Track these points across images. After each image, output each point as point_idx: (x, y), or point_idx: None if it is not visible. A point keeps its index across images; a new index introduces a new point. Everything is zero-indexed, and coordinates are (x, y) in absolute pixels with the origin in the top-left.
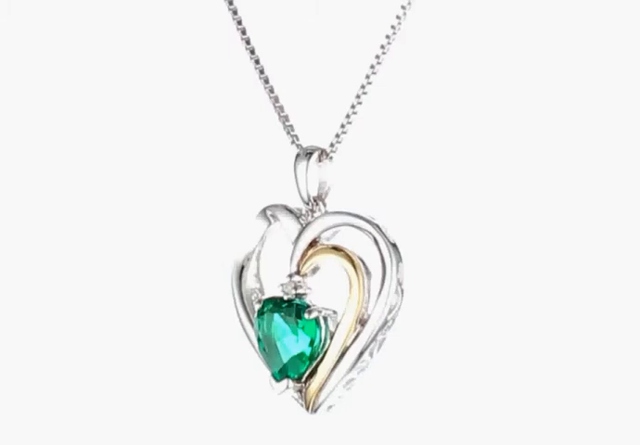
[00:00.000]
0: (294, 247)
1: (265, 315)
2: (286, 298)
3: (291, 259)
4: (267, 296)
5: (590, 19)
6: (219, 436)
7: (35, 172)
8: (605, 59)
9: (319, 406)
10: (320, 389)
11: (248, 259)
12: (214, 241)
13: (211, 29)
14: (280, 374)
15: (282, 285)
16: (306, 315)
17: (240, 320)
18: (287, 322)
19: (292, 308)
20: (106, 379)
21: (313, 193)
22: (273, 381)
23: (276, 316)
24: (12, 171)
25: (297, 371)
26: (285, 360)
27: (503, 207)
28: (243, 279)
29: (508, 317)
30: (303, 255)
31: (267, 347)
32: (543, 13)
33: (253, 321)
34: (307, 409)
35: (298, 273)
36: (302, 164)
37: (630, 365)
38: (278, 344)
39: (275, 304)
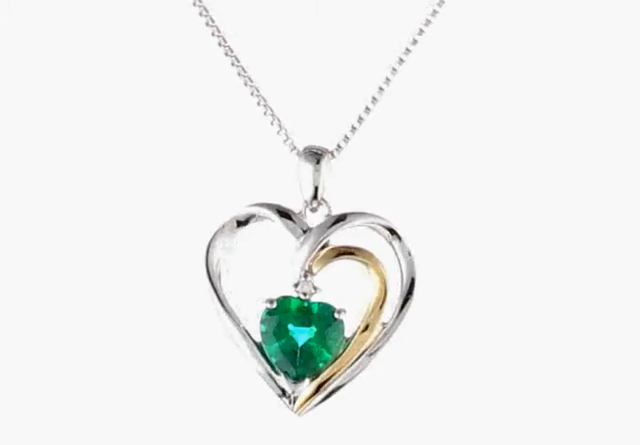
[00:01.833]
0: (305, 248)
1: (279, 315)
2: (304, 297)
3: (302, 259)
4: (280, 295)
5: (596, 29)
6: (204, 435)
7: (26, 169)
8: (609, 65)
9: (314, 406)
10: (322, 389)
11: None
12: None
13: (207, 33)
14: (300, 374)
15: (297, 284)
16: (337, 315)
17: (220, 311)
18: (309, 323)
19: (324, 308)
20: (95, 372)
21: (320, 193)
22: (289, 382)
23: (295, 317)
24: (6, 167)
25: (314, 371)
26: (306, 360)
27: (505, 213)
28: (211, 268)
29: (508, 317)
30: (315, 256)
31: (284, 347)
32: (548, 24)
33: (230, 313)
34: (296, 410)
35: (310, 273)
36: (310, 164)
37: (632, 366)
38: (301, 345)
39: (298, 304)
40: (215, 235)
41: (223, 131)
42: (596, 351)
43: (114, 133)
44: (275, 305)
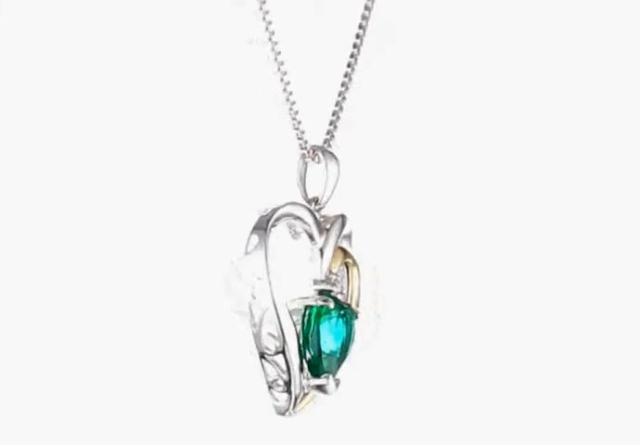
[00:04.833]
0: (327, 248)
1: (330, 316)
2: (340, 297)
3: (327, 259)
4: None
5: (588, 19)
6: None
7: (32, 171)
8: (603, 59)
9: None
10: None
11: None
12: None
13: (214, 30)
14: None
15: (333, 284)
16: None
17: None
18: (350, 324)
19: (348, 310)
20: (95, 370)
21: (327, 193)
22: (332, 383)
23: (341, 320)
24: (10, 171)
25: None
26: (343, 360)
27: (506, 212)
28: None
29: (507, 315)
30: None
31: (334, 348)
32: (538, 11)
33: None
34: (294, 409)
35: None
36: (315, 164)
37: (627, 364)
38: (343, 347)
39: (340, 306)
40: (269, 224)
41: (226, 130)
42: (586, 349)
43: (126, 130)
44: (333, 305)
